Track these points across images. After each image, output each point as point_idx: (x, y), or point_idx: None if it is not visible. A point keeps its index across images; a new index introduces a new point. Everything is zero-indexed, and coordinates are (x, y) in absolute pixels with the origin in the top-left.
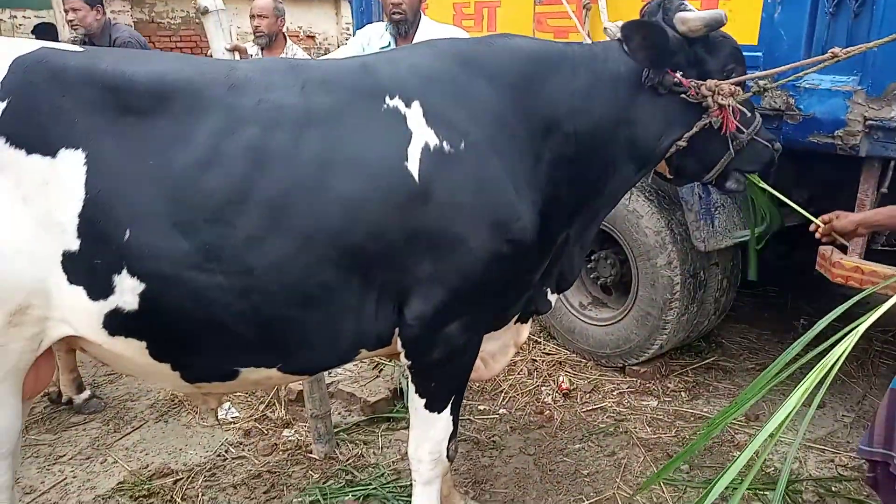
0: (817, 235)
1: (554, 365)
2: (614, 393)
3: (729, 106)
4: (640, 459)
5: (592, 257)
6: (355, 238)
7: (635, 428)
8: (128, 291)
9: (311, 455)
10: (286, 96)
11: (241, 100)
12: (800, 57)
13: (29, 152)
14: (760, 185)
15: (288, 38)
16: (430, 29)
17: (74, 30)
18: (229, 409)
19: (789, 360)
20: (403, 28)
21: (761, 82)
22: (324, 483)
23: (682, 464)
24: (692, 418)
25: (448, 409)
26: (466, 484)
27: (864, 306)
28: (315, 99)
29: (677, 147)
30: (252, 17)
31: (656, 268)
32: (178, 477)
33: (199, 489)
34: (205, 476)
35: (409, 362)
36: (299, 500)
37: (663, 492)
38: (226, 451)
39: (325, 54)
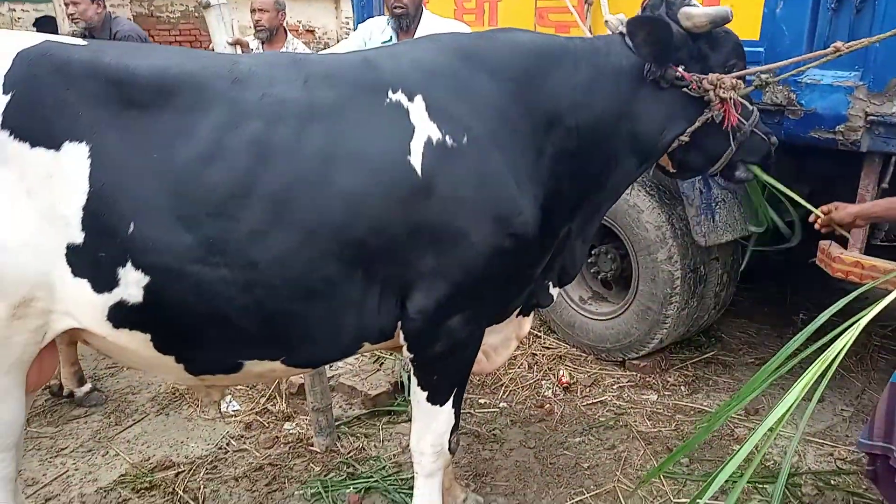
0: (816, 226)
1: (554, 359)
2: (614, 387)
3: (731, 99)
4: (639, 453)
5: (593, 252)
6: (358, 232)
7: (635, 422)
8: (132, 284)
9: (312, 448)
10: (289, 91)
11: (244, 94)
12: (801, 52)
13: (33, 145)
14: (765, 177)
15: (289, 32)
16: (431, 23)
17: (75, 23)
18: (230, 402)
19: (789, 355)
20: (405, 22)
21: (763, 76)
22: (325, 476)
23: (681, 457)
24: (692, 412)
25: (450, 402)
26: (467, 477)
27: (863, 301)
28: (318, 93)
29: (680, 142)
30: (253, 11)
31: (657, 262)
32: (180, 469)
33: (201, 482)
34: (206, 469)
35: (412, 356)
36: (301, 492)
37: (663, 485)
38: (227, 444)
39: (325, 49)
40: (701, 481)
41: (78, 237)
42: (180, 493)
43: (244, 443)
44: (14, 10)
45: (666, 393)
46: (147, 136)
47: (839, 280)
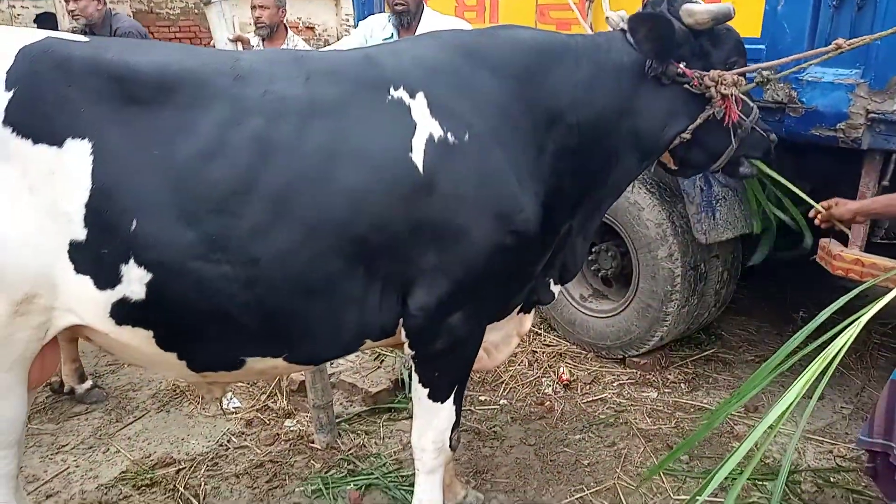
0: (816, 221)
1: (554, 356)
2: (614, 384)
3: (732, 96)
4: (639, 450)
5: (593, 249)
6: (360, 229)
7: (635, 419)
8: (135, 281)
9: (312, 445)
10: (291, 87)
11: (246, 91)
12: (803, 50)
13: (35, 142)
14: (768, 172)
15: (289, 29)
16: (432, 20)
17: (76, 20)
18: (231, 399)
19: (789, 352)
20: (406, 19)
21: (765, 72)
22: (326, 473)
23: (682, 454)
24: (692, 409)
25: (451, 399)
26: (468, 474)
27: (863, 299)
28: (319, 90)
29: (682, 139)
30: (253, 7)
31: (657, 260)
32: (181, 466)
33: (202, 478)
34: (207, 465)
35: (413, 352)
36: (301, 489)
37: (663, 482)
38: (228, 441)
39: (325, 45)
40: (700, 478)
41: (80, 234)
42: (181, 489)
43: (245, 440)
44: (13, 6)
45: (666, 390)
46: (149, 132)
47: (839, 278)
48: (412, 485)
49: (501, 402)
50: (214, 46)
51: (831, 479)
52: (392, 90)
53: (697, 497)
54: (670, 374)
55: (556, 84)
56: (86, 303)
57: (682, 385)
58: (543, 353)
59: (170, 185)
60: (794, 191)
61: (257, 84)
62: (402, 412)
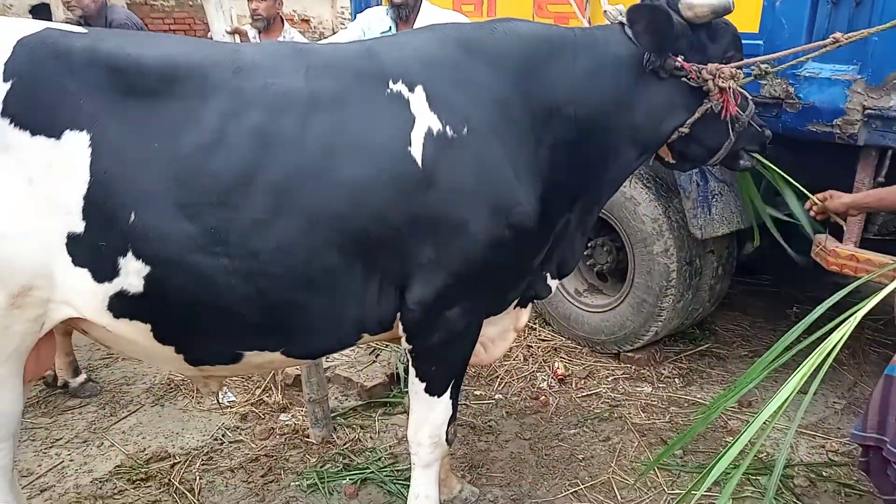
0: (811, 213)
1: (549, 351)
2: (609, 379)
3: (730, 89)
4: (634, 444)
5: (589, 244)
6: (358, 222)
7: (630, 413)
8: (133, 274)
9: (308, 439)
10: (290, 80)
11: (246, 83)
12: (800, 45)
13: (33, 134)
14: (766, 163)
15: (285, 21)
16: (430, 14)
17: (71, 11)
18: (226, 393)
19: (785, 348)
20: (404, 12)
21: (763, 66)
22: (321, 467)
23: (676, 449)
24: (686, 404)
25: (448, 393)
26: (463, 468)
27: (855, 295)
28: (319, 83)
29: (680, 133)
30: (250, 0)
31: (653, 255)
32: (176, 460)
33: (197, 473)
34: (202, 460)
35: (410, 346)
36: (297, 483)
37: (657, 476)
38: (223, 435)
39: (320, 38)
40: (694, 472)
41: (78, 226)
42: (176, 484)
43: (240, 434)
44: None
45: (660, 385)
46: (148, 124)
47: (831, 274)
48: (408, 479)
49: (496, 396)
50: (212, 38)
51: (824, 474)
52: (391, 83)
53: (693, 492)
54: (664, 369)
55: (554, 77)
56: (83, 295)
57: (677, 380)
58: (538, 347)
59: (169, 177)
60: (790, 182)
61: (257, 77)
62: (398, 406)
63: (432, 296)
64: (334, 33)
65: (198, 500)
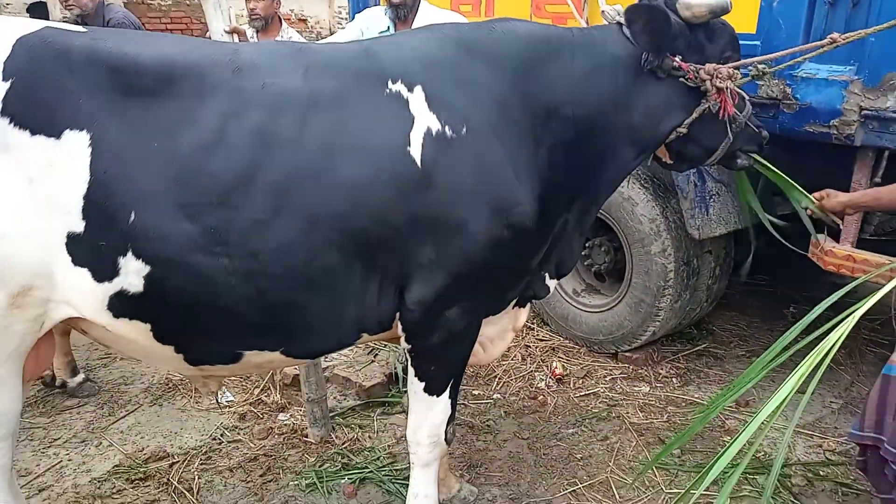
0: (808, 212)
1: (547, 351)
2: (607, 379)
3: (727, 89)
4: (632, 444)
5: (587, 244)
6: (358, 222)
7: (627, 413)
8: (133, 273)
9: (306, 439)
10: (290, 80)
11: (245, 83)
12: (798, 46)
13: (33, 133)
14: (764, 163)
15: (283, 21)
16: (429, 14)
17: (69, 10)
18: (224, 392)
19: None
20: (403, 12)
21: (760, 66)
22: (320, 466)
23: (674, 448)
24: (683, 404)
25: (447, 393)
26: (461, 467)
27: (851, 295)
28: (318, 83)
29: (678, 133)
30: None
31: (650, 255)
32: (174, 460)
33: (195, 472)
34: (201, 459)
35: (410, 346)
36: (295, 483)
37: (655, 475)
38: (221, 435)
39: (317, 38)
40: (692, 472)
41: (78, 226)
42: (175, 483)
43: (238, 433)
44: None
45: (658, 385)
46: (148, 124)
47: (827, 274)
48: (406, 478)
49: (495, 396)
50: (210, 38)
51: (821, 473)
52: (390, 83)
53: (693, 491)
54: (662, 369)
55: (552, 77)
56: (83, 295)
57: (674, 380)
58: (536, 347)
59: (169, 177)
60: (789, 181)
61: (256, 76)
62: (396, 406)
63: (432, 296)
64: (332, 33)
65: (196, 500)
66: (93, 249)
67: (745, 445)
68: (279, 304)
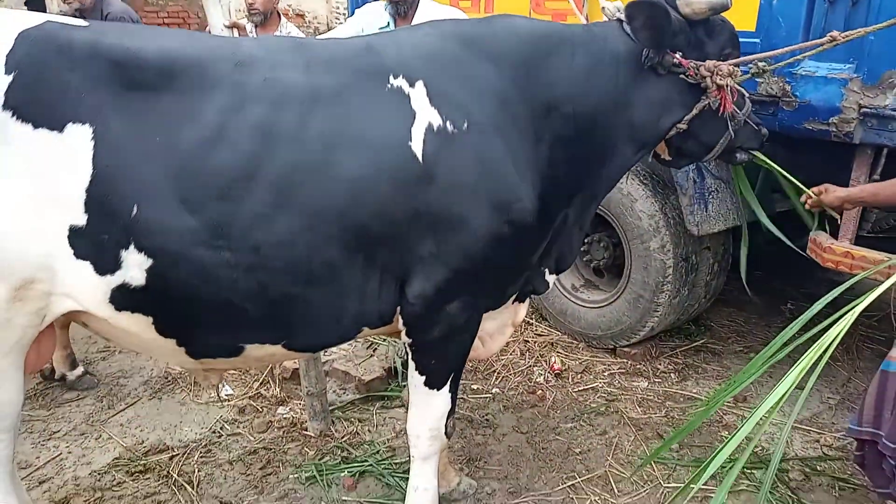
0: (806, 206)
1: (546, 346)
2: (605, 374)
3: (727, 86)
4: (630, 438)
5: (586, 240)
6: (359, 217)
7: (626, 408)
8: (134, 267)
9: (306, 432)
10: (291, 75)
11: (247, 77)
12: (797, 43)
13: (36, 126)
14: (764, 159)
15: (282, 16)
16: (429, 10)
17: (67, 4)
18: (224, 386)
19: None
20: (402, 8)
21: (760, 64)
22: (319, 460)
23: (673, 444)
24: (681, 399)
25: (447, 387)
26: (461, 461)
27: (850, 292)
28: (319, 78)
29: (678, 129)
30: None
31: (649, 251)
32: (174, 453)
33: (195, 465)
34: (200, 452)
35: (410, 340)
36: (295, 476)
37: (654, 470)
38: (221, 428)
39: (315, 34)
40: (691, 466)
41: (80, 219)
42: (174, 476)
43: (238, 427)
44: None
45: (656, 380)
46: (150, 118)
47: (825, 270)
48: (406, 472)
49: (494, 390)
50: (210, 32)
51: (818, 468)
52: (392, 79)
53: (692, 486)
54: (660, 364)
55: (553, 74)
56: (85, 288)
57: (672, 375)
58: (535, 342)
59: (171, 171)
60: (787, 177)
61: (258, 71)
62: (396, 400)
63: (433, 290)
64: (329, 28)
65: (196, 493)
66: (95, 243)
67: (743, 441)
68: (281, 297)
